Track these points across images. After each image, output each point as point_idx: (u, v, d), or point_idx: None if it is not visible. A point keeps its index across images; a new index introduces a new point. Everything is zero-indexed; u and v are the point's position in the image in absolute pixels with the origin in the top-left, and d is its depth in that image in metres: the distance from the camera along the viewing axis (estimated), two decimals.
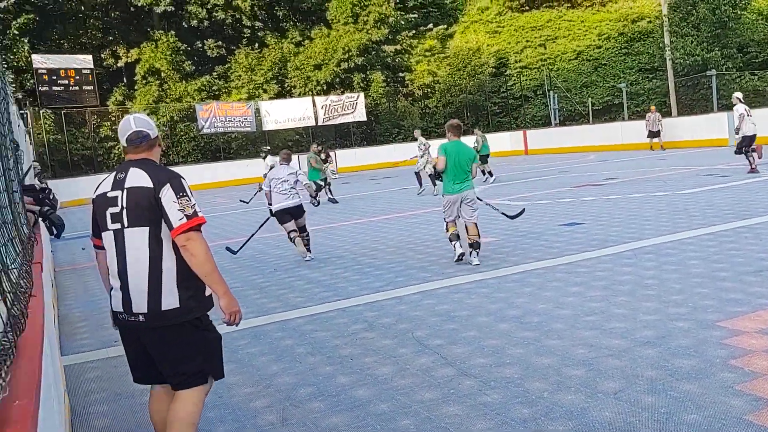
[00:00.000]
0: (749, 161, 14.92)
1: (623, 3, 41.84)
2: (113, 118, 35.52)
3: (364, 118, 37.70)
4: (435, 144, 12.51)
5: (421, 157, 18.55)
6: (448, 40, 44.16)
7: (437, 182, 8.76)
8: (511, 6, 45.07)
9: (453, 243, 8.50)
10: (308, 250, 9.81)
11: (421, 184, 18.25)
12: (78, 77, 33.43)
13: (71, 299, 8.78)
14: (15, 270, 2.83)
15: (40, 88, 32.50)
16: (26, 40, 34.38)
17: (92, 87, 33.94)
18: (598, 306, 5.88)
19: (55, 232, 5.25)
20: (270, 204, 9.82)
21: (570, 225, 10.41)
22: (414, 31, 43.12)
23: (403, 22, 42.35)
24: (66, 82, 33.08)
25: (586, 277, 6.97)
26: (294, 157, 22.62)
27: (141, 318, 3.20)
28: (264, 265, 9.81)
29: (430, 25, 44.15)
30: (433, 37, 43.50)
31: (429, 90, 41.99)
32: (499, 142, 35.58)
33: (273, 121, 35.96)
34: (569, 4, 44.27)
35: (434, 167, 8.52)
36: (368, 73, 40.08)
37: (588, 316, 5.63)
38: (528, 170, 23.12)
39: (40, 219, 5.40)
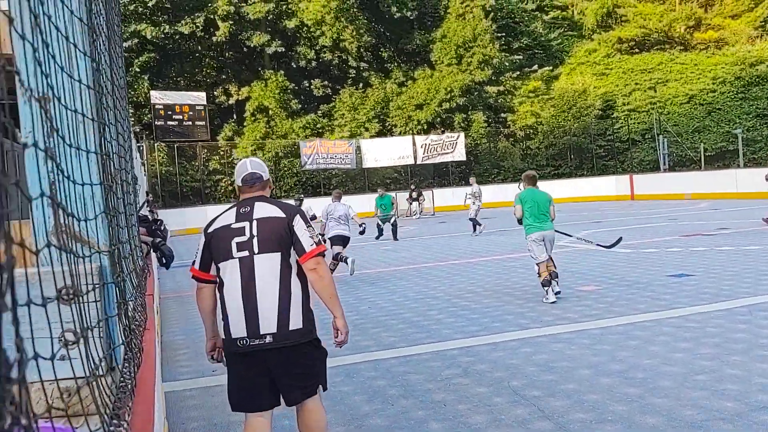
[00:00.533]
0: None
1: (741, 46, 40.26)
2: (222, 153, 37.03)
3: (464, 158, 37.63)
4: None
5: (473, 203, 19.51)
6: (553, 82, 43.69)
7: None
8: (620, 48, 44.21)
9: (546, 288, 8.67)
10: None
11: (474, 229, 19.23)
12: (191, 113, 35.13)
13: (174, 326, 9.07)
14: (131, 303, 2.92)
15: (156, 122, 34.35)
16: (146, 77, 36.53)
17: (204, 122, 35.56)
18: (709, 365, 5.53)
19: (164, 262, 5.45)
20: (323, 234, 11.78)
21: (679, 276, 9.92)
22: (518, 73, 42.92)
23: (507, 64, 42.24)
24: (180, 117, 34.84)
25: (696, 333, 6.59)
26: (392, 194, 23.15)
27: (268, 339, 3.38)
28: (359, 302, 9.83)
29: (535, 67, 43.84)
30: (537, 79, 43.15)
31: (531, 131, 41.55)
32: (605, 186, 34.75)
33: (373, 159, 36.52)
34: (682, 47, 43.01)
35: (515, 215, 9.05)
36: (470, 113, 40.14)
37: (698, 374, 5.30)
38: (634, 216, 22.34)
39: (152, 250, 5.61)
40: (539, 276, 8.70)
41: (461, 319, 8.07)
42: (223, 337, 3.54)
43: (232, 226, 3.52)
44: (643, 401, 4.79)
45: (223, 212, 3.66)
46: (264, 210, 3.55)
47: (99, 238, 1.85)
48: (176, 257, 7.07)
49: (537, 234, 8.62)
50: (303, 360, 3.49)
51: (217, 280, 3.58)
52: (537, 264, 8.72)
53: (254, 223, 3.49)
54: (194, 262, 3.65)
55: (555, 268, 8.77)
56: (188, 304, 10.65)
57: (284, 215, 3.54)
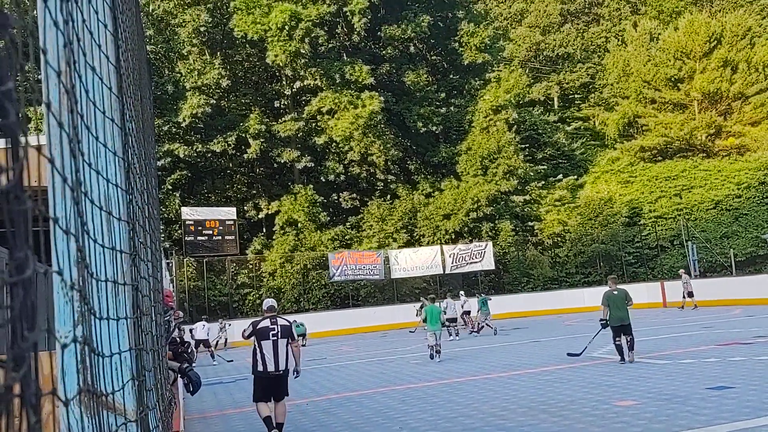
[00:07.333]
0: None
1: (763, 152, 40.54)
2: (251, 266, 37.31)
3: (492, 267, 37.51)
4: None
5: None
6: (578, 190, 44.10)
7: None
8: (643, 156, 44.77)
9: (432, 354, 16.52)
10: None
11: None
12: (221, 227, 35.60)
13: None
14: None
15: (186, 237, 34.82)
16: (177, 194, 37.41)
17: (234, 237, 36.00)
18: None
19: (191, 389, 5.41)
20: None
21: (719, 389, 9.59)
22: (543, 182, 43.47)
23: (532, 174, 42.88)
24: (210, 232, 35.29)
25: None
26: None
27: (281, 371, 8.55)
28: (390, 421, 9.57)
29: (560, 176, 44.42)
30: (562, 187, 43.60)
31: (559, 239, 41.56)
32: (635, 293, 33.90)
33: (401, 269, 36.55)
34: (704, 154, 43.41)
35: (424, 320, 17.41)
36: (497, 222, 40.39)
37: None
38: (668, 325, 21.86)
39: (179, 376, 5.58)
40: (429, 348, 16.55)
41: None
42: (260, 370, 8.52)
43: (269, 326, 8.66)
44: None
45: (262, 319, 8.81)
46: (281, 321, 8.81)
47: (128, 405, 1.81)
48: (203, 377, 7.03)
49: (432, 330, 16.47)
50: (286, 382, 8.73)
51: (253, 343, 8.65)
52: (429, 344, 16.53)
53: (278, 327, 8.68)
54: (245, 333, 8.93)
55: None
56: (214, 425, 10.48)
57: (288, 324, 8.90)
